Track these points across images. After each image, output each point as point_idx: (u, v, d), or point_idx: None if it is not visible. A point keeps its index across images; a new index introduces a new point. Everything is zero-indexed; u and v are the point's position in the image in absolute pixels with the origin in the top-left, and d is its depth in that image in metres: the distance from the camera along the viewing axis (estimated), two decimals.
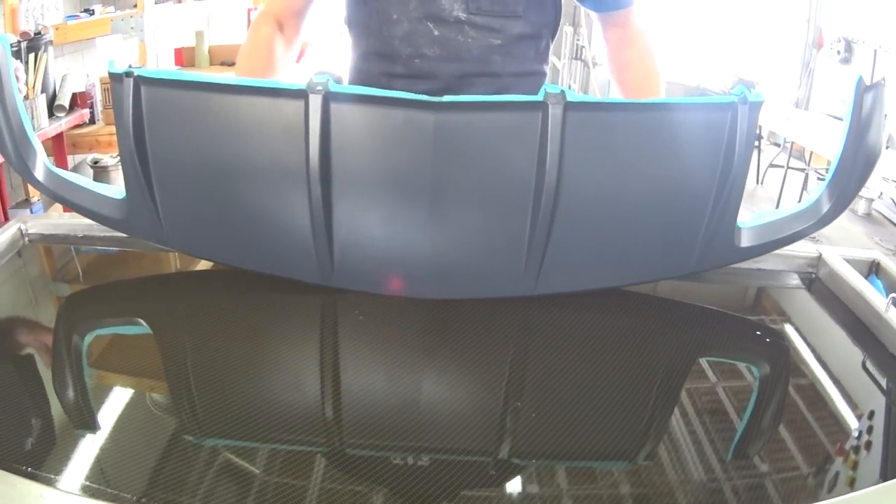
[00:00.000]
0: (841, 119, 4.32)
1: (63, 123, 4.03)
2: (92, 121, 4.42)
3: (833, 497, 0.86)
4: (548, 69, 1.72)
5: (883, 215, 5.45)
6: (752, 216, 1.36)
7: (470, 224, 1.28)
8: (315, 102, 1.18)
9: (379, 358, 1.19)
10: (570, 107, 1.18)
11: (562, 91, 1.18)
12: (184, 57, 5.68)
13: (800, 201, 5.65)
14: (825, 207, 1.30)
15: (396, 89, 1.56)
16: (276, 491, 0.89)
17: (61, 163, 4.17)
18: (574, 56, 7.65)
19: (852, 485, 0.93)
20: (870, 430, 1.05)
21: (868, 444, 1.01)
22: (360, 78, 1.67)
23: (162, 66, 5.15)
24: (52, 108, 3.96)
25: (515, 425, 1.04)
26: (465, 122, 1.22)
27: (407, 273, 1.30)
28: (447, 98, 1.20)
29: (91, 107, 4.38)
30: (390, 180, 1.26)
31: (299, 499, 0.87)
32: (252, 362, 1.17)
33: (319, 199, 1.23)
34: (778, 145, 6.77)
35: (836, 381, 1.19)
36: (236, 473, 0.93)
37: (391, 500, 0.89)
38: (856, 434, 1.05)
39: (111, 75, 1.21)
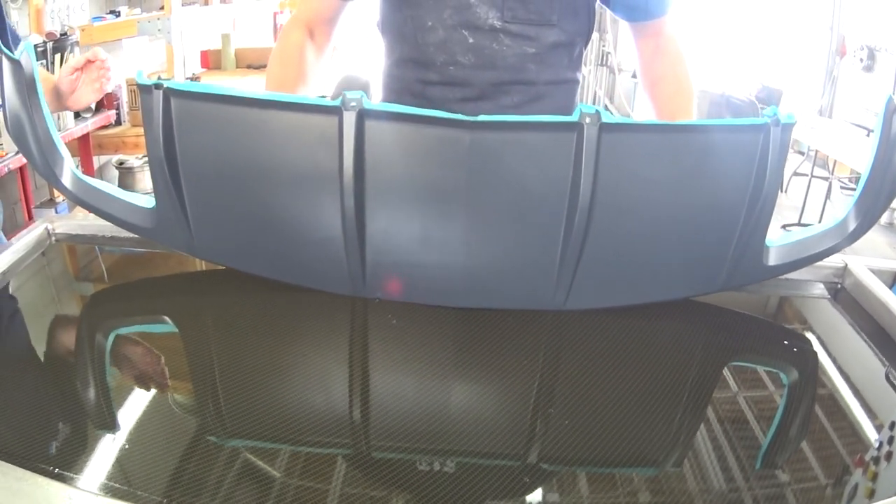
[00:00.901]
0: (864, 128, 4.32)
1: (89, 124, 4.07)
2: (118, 122, 4.47)
3: None
4: (580, 77, 1.71)
5: None
6: (781, 234, 1.36)
7: (503, 239, 1.29)
8: (349, 119, 1.18)
9: (408, 361, 1.20)
10: (605, 128, 1.18)
11: (597, 112, 1.18)
12: (210, 59, 5.72)
13: (823, 210, 5.69)
14: (852, 225, 1.30)
15: (430, 96, 1.59)
16: (297, 494, 0.89)
17: (87, 163, 4.21)
18: (600, 62, 7.64)
19: (871, 496, 0.93)
20: (891, 440, 1.05)
21: (889, 455, 1.01)
22: (394, 84, 1.67)
23: (189, 68, 5.18)
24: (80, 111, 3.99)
25: (544, 431, 1.05)
26: (500, 142, 1.22)
27: (439, 285, 1.31)
28: (483, 117, 1.20)
29: (117, 108, 4.43)
30: (424, 196, 1.26)
31: (321, 502, 0.88)
32: (279, 363, 1.17)
33: (353, 213, 1.24)
34: (802, 153, 6.74)
35: (859, 392, 1.19)
36: (261, 476, 0.93)
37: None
38: (877, 445, 1.05)
39: (140, 87, 1.21)
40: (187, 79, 5.13)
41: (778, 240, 1.34)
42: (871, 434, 1.09)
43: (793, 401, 1.18)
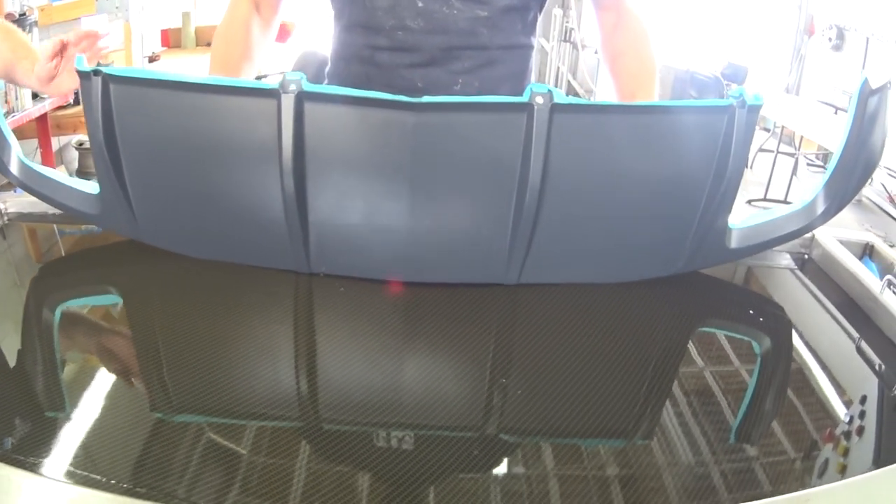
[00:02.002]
0: (832, 106, 4.32)
1: (47, 105, 4.00)
2: (76, 101, 4.35)
3: (824, 484, 0.86)
4: (535, 42, 1.65)
5: (873, 202, 5.45)
6: (745, 216, 1.33)
7: (449, 217, 1.26)
8: (288, 102, 1.15)
9: (360, 335, 1.17)
10: (557, 108, 1.15)
11: (549, 91, 1.15)
12: (170, 38, 5.65)
13: (789, 186, 5.70)
14: (820, 208, 1.27)
15: (379, 62, 1.54)
16: (250, 470, 0.87)
17: (46, 145, 4.14)
18: (563, 38, 7.60)
19: (843, 472, 0.91)
20: (862, 415, 1.03)
21: (860, 430, 0.99)
22: (343, 50, 1.62)
23: (147, 46, 5.11)
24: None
25: (503, 402, 1.02)
26: (445, 124, 1.19)
27: (386, 260, 1.28)
28: (427, 99, 1.17)
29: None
30: (367, 177, 1.23)
31: (281, 478, 0.85)
32: (227, 336, 1.15)
33: (293, 195, 1.21)
34: (768, 130, 6.75)
35: (829, 365, 1.17)
36: (212, 452, 0.90)
37: (375, 480, 0.86)
38: (847, 419, 1.03)
39: (79, 73, 1.19)
40: (146, 58, 5.06)
41: (742, 222, 1.32)
42: (842, 408, 1.07)
43: (763, 374, 1.15)
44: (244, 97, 1.18)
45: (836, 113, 5.75)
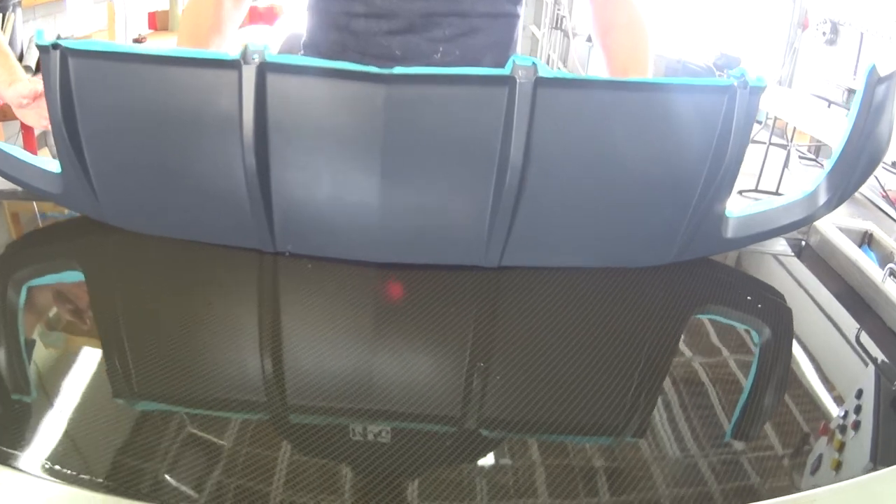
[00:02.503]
0: (825, 99, 4.29)
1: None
2: None
3: (820, 481, 0.82)
4: (521, 12, 1.58)
5: (865, 197, 5.42)
6: (743, 205, 1.27)
7: (423, 195, 1.19)
8: (249, 73, 1.10)
9: (330, 320, 1.11)
10: (541, 83, 1.08)
11: (533, 64, 1.08)
12: (157, 20, 5.58)
13: (781, 178, 5.67)
14: (822, 199, 1.21)
15: (356, 29, 1.46)
16: (218, 461, 0.81)
17: (28, 127, 4.07)
18: (554, 25, 7.58)
19: (838, 468, 0.85)
20: (858, 409, 0.97)
21: (856, 425, 0.93)
22: (318, 18, 1.54)
23: (132, 29, 5.05)
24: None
25: (483, 392, 0.96)
26: (419, 97, 1.12)
27: (355, 240, 1.22)
28: (399, 70, 1.10)
29: None
30: (334, 153, 1.17)
31: (253, 470, 0.79)
32: (191, 319, 1.10)
33: (254, 171, 1.15)
34: (759, 122, 6.71)
35: (828, 357, 1.13)
36: (180, 442, 0.84)
37: (353, 472, 0.81)
38: (842, 414, 0.97)
39: (38, 47, 1.15)
40: (134, 40, 4.99)
41: (739, 211, 1.26)
42: (838, 401, 1.01)
43: (762, 365, 1.09)
44: (204, 69, 1.13)
45: (829, 106, 5.73)
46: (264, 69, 1.10)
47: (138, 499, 0.73)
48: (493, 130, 1.12)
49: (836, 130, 4.91)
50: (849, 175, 1.18)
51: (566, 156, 1.15)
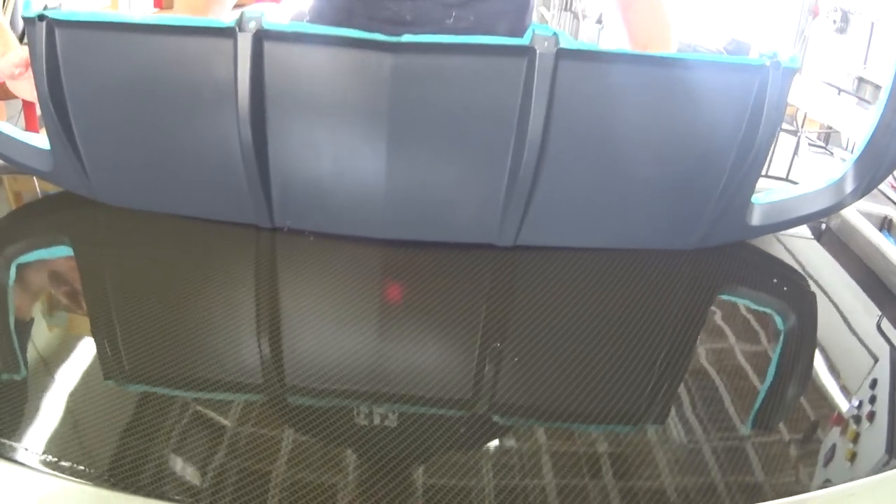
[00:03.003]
0: (835, 87, 4.23)
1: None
2: None
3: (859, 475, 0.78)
4: None
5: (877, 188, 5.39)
6: (767, 191, 1.22)
7: (433, 172, 1.14)
8: (245, 42, 1.04)
9: (331, 296, 1.07)
10: (563, 54, 1.03)
11: (554, 34, 1.02)
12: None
13: (791, 164, 5.62)
14: (850, 186, 1.15)
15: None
16: (213, 446, 0.77)
17: (30, 105, 4.04)
18: (564, 7, 7.53)
19: (853, 459, 0.81)
20: (873, 399, 0.93)
21: (871, 415, 0.89)
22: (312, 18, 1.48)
23: (139, 8, 5.00)
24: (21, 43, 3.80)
25: (495, 377, 0.92)
26: (430, 67, 1.07)
27: (359, 214, 1.16)
28: (407, 38, 1.04)
29: None
30: (337, 127, 1.12)
31: (255, 453, 0.76)
32: (193, 297, 1.06)
33: (250, 145, 1.09)
34: None
35: (846, 342, 1.08)
36: (178, 425, 0.80)
37: (357, 457, 0.77)
38: (856, 404, 0.93)
39: (24, 19, 1.10)
40: None
41: (764, 196, 1.20)
42: (854, 390, 0.97)
43: (786, 351, 1.05)
44: (197, 37, 1.08)
45: (839, 94, 5.68)
46: (261, 37, 1.05)
47: (137, 492, 0.69)
48: (510, 104, 1.06)
49: (846, 118, 4.88)
50: (879, 161, 1.12)
51: (588, 132, 1.10)
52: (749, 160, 1.10)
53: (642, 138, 1.12)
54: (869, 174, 1.14)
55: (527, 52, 1.03)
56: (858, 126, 4.71)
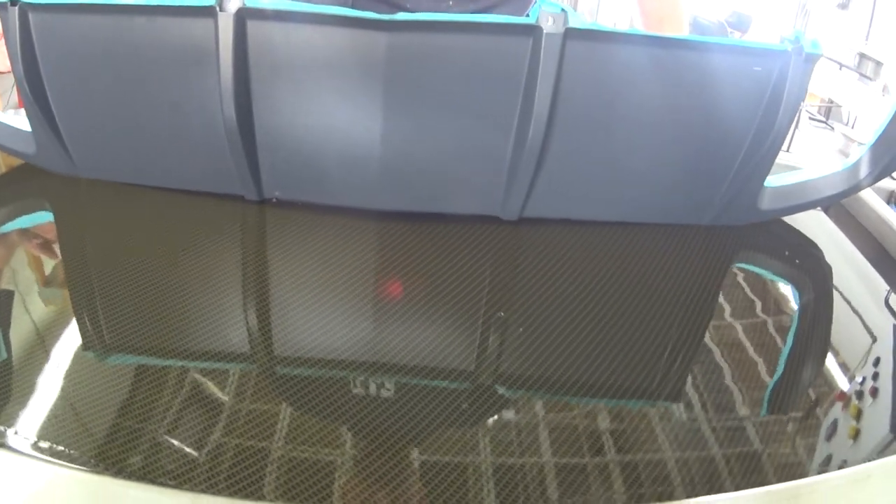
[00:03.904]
0: (836, 62, 4.21)
1: None
2: None
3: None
4: None
5: None
6: (781, 174, 1.19)
7: (430, 148, 1.10)
8: (226, 22, 1.00)
9: (330, 269, 1.03)
10: (571, 34, 0.98)
11: (562, 11, 0.97)
12: None
13: (792, 138, 5.61)
14: (864, 171, 1.12)
15: None
16: (206, 420, 0.76)
17: None
18: None
19: (856, 436, 0.80)
20: (875, 376, 0.92)
21: (874, 391, 0.88)
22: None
23: None
24: None
25: (501, 348, 0.90)
26: (427, 47, 1.02)
27: (352, 184, 1.13)
28: (402, 16, 0.99)
29: None
30: (327, 101, 1.08)
31: (249, 428, 0.75)
32: (181, 268, 1.02)
33: (235, 126, 1.07)
34: None
35: (853, 316, 1.07)
36: (169, 399, 0.79)
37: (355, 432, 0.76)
38: (860, 380, 0.92)
39: None
40: None
41: (776, 180, 1.18)
42: (859, 366, 0.96)
43: (802, 326, 1.04)
44: (173, 17, 1.04)
45: (840, 69, 5.65)
46: (244, 16, 1.01)
47: (130, 477, 0.68)
48: (512, 88, 1.03)
49: (847, 93, 4.87)
50: (893, 149, 1.10)
51: (595, 115, 1.07)
52: (766, 146, 1.08)
53: (653, 123, 1.09)
54: (884, 160, 1.12)
55: (532, 31, 0.98)
56: (859, 101, 4.71)
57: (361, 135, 1.08)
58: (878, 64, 5.40)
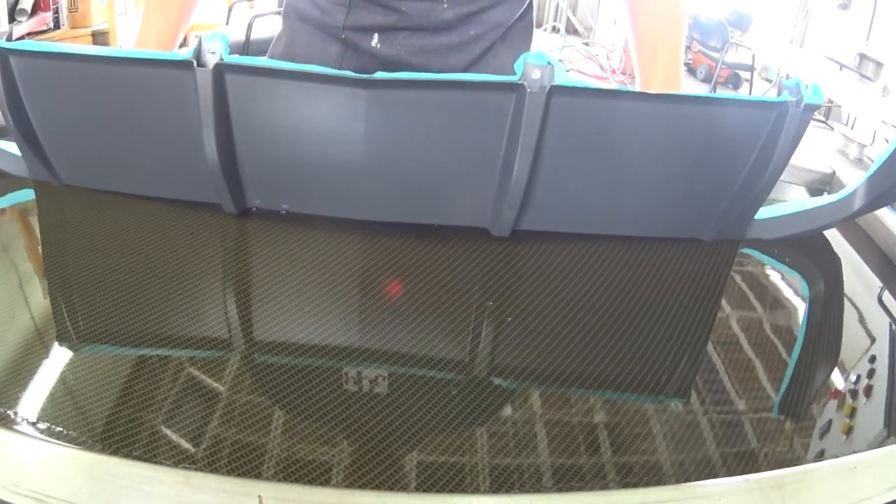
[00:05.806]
0: (836, 62, 4.21)
1: (24, 27, 3.92)
2: (56, 26, 4.27)
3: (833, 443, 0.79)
4: None
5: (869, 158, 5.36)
6: (771, 206, 1.16)
7: (414, 172, 1.09)
8: (204, 77, 0.99)
9: (304, 273, 1.01)
10: (556, 91, 0.96)
11: (549, 63, 0.95)
12: None
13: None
14: (859, 203, 1.07)
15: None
16: (189, 417, 0.76)
17: None
18: None
19: (849, 433, 0.81)
20: (871, 373, 0.91)
21: (868, 390, 0.87)
22: (303, 4, 1.40)
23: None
24: (15, 13, 3.85)
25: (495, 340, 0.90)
26: (408, 102, 1.01)
27: (336, 193, 1.11)
28: (381, 75, 0.97)
29: (56, 10, 4.23)
30: (308, 148, 1.07)
31: (239, 421, 0.76)
32: (163, 269, 1.01)
33: (218, 167, 1.06)
34: (770, 81, 6.65)
35: (846, 314, 1.06)
36: (152, 392, 0.79)
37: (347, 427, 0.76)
38: (854, 378, 0.91)
39: None
40: None
41: (768, 211, 1.14)
42: (853, 364, 0.95)
43: (812, 321, 1.04)
44: (155, 69, 1.03)
45: (840, 70, 5.64)
46: (222, 70, 1.00)
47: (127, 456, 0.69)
48: (493, 144, 1.02)
49: (847, 94, 4.85)
50: (890, 181, 1.05)
51: (578, 165, 1.06)
52: (755, 192, 1.06)
53: (641, 168, 1.07)
54: (883, 190, 1.06)
55: (515, 88, 0.97)
56: (859, 101, 4.69)
57: (346, 169, 1.07)
58: (879, 65, 5.38)
